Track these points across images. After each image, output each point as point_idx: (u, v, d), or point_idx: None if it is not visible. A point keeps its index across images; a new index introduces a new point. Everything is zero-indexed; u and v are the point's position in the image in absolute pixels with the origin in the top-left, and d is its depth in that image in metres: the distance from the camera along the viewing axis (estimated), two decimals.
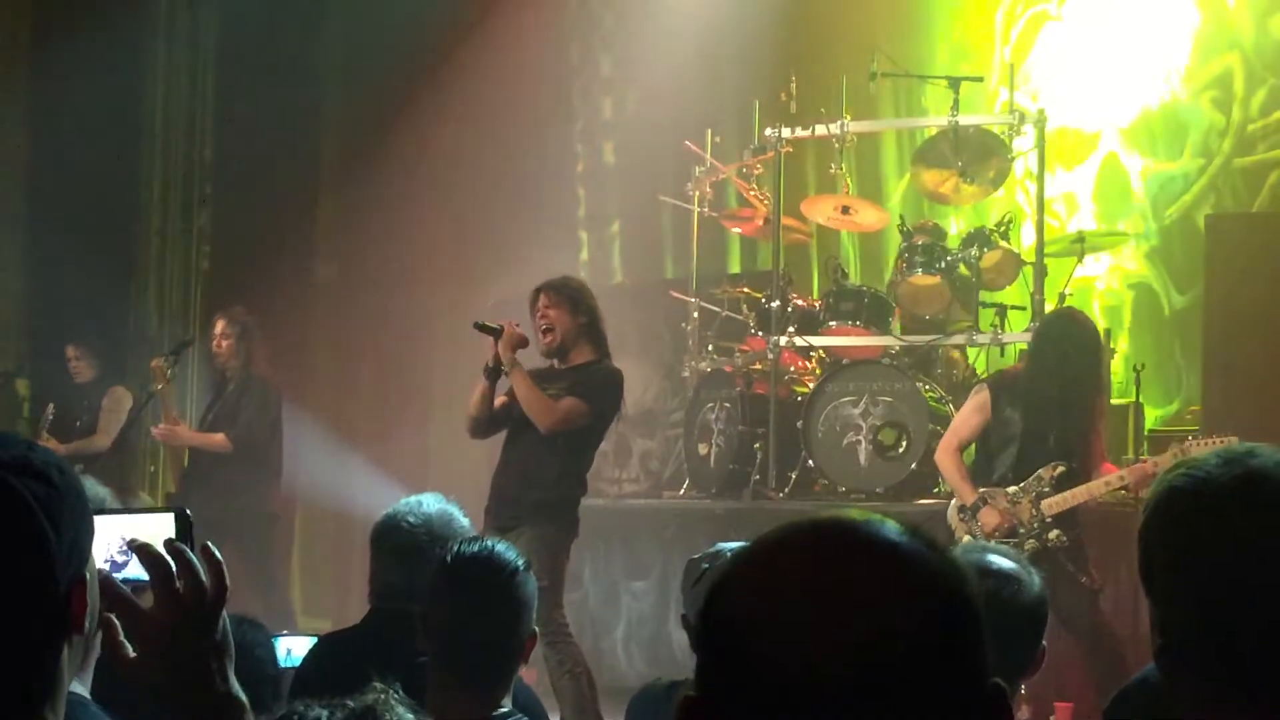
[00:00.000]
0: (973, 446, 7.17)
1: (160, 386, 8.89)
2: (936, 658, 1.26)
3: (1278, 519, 1.77)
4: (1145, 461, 6.99)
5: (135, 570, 1.81)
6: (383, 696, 1.93)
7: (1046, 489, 6.77)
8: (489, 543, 3.33)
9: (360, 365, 10.89)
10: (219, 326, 9.02)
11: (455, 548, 3.30)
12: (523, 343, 6.73)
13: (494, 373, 6.69)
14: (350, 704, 1.90)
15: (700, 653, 1.32)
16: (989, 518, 6.77)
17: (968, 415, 7.10)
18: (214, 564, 1.78)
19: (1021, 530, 6.75)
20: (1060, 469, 6.77)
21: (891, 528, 1.32)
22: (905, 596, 1.27)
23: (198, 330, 9.37)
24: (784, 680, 1.25)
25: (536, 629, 3.37)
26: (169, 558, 1.77)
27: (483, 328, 6.75)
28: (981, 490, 6.85)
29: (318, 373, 10.50)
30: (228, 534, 7.84)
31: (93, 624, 1.72)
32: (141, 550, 1.78)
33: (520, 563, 3.29)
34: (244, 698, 1.78)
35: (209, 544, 1.80)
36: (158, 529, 1.83)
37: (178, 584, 1.76)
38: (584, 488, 6.85)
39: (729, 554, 1.38)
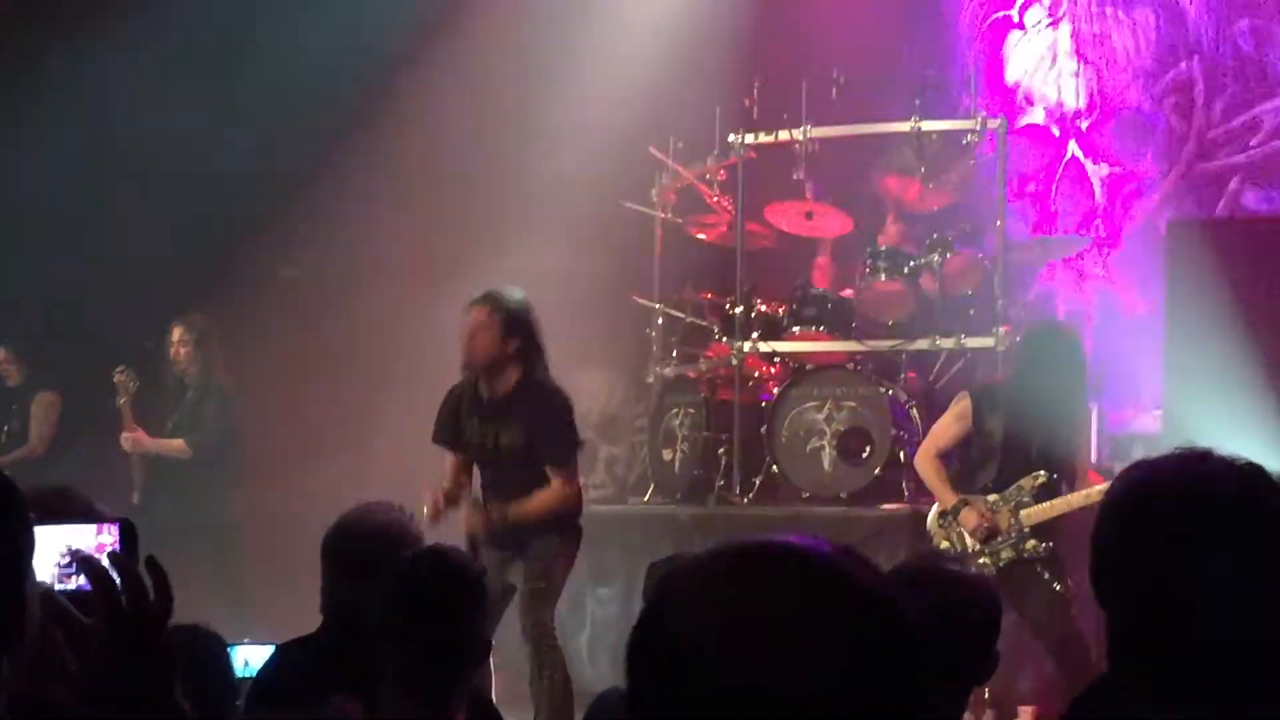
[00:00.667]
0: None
1: (124, 401, 8.85)
2: (871, 678, 1.25)
3: (1224, 523, 1.77)
4: None
5: (81, 581, 1.79)
6: (338, 707, 1.91)
7: (1026, 499, 6.77)
8: (442, 551, 3.31)
9: (323, 367, 10.82)
10: (176, 334, 8.99)
11: (408, 556, 3.28)
12: (451, 500, 6.48)
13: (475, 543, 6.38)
14: (305, 716, 1.89)
15: (632, 678, 1.29)
16: (969, 517, 6.77)
17: (948, 423, 7.08)
18: (159, 575, 1.76)
19: (999, 538, 6.75)
20: (1040, 479, 6.77)
21: (825, 549, 1.30)
22: (838, 618, 1.26)
23: (159, 336, 9.28)
24: (719, 704, 1.23)
25: (490, 639, 3.35)
26: (112, 570, 1.74)
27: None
28: (962, 496, 6.84)
29: (280, 375, 10.43)
30: (188, 542, 7.80)
31: (33, 637, 1.69)
32: (85, 562, 1.75)
33: (474, 570, 3.27)
34: (188, 708, 1.75)
35: (153, 555, 1.77)
36: (103, 540, 1.81)
37: (121, 597, 1.73)
38: (582, 503, 6.68)
39: (660, 578, 1.34)
